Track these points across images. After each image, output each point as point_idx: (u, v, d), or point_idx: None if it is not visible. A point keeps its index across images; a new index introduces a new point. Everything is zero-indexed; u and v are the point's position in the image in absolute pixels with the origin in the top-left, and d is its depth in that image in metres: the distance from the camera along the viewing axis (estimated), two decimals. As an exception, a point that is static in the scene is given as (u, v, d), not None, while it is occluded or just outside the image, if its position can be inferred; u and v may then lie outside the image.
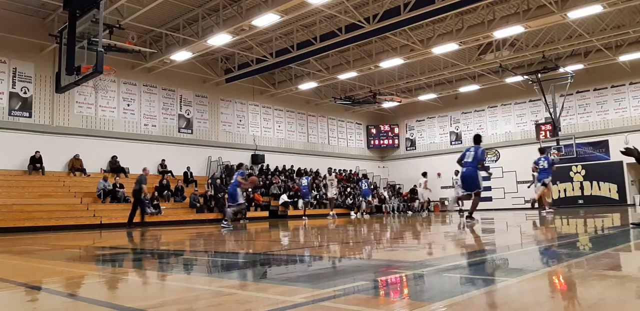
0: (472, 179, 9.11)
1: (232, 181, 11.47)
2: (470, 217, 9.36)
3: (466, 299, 2.11)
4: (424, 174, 20.28)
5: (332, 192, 19.11)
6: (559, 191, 22.90)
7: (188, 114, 21.11)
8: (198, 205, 17.69)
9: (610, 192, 22.26)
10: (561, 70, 20.16)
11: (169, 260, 4.86)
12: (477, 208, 9.67)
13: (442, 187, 27.88)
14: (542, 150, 14.43)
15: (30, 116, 16.52)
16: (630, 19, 17.64)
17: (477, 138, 9.53)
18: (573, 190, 23.14)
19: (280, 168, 23.84)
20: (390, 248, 5.23)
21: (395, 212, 24.39)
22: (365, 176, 21.20)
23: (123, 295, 2.77)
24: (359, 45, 19.87)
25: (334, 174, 19.29)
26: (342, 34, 16.56)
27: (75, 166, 17.03)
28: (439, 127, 28.70)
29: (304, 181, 18.48)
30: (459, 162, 9.40)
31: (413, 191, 27.28)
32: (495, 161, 26.01)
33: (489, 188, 25.62)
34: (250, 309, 2.09)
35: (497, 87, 24.63)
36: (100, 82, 13.55)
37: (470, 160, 9.08)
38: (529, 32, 17.71)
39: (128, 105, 19.14)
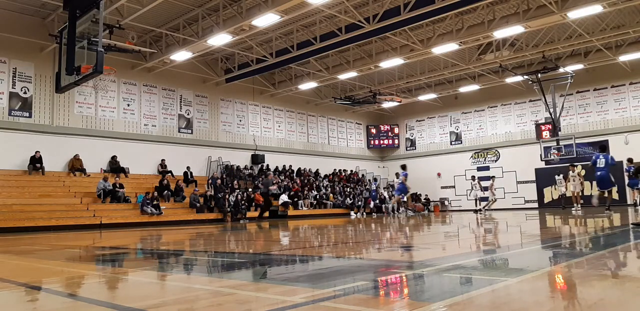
0: (607, 179, 11.70)
1: (398, 179, 15.61)
2: (608, 209, 12.28)
3: (466, 299, 2.11)
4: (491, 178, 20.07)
5: None
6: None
7: (188, 114, 21.11)
8: (198, 205, 17.68)
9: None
10: (561, 70, 20.14)
11: (169, 260, 4.86)
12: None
13: (442, 187, 27.93)
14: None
15: (30, 116, 16.51)
16: (630, 19, 17.63)
17: (604, 148, 12.26)
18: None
19: (280, 168, 23.84)
20: (390, 248, 5.23)
21: (396, 212, 24.35)
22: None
23: (123, 295, 2.77)
24: (359, 45, 19.87)
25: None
26: (342, 34, 16.56)
27: (75, 166, 17.03)
28: (439, 127, 28.68)
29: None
30: (593, 166, 11.91)
31: (415, 192, 27.29)
32: (495, 161, 26.01)
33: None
34: (250, 309, 2.09)
35: (497, 87, 24.62)
36: (100, 82, 13.55)
37: (602, 166, 11.55)
38: (529, 32, 17.70)
39: (128, 105, 19.14)
